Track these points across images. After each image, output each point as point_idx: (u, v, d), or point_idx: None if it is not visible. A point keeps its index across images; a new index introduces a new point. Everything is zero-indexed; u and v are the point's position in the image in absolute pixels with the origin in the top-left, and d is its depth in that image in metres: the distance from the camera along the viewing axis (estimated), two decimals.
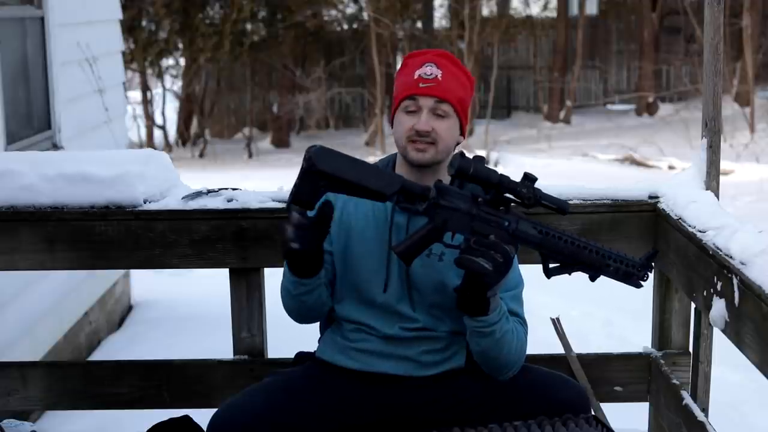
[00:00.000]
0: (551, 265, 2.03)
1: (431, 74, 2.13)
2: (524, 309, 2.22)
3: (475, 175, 1.96)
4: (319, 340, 2.30)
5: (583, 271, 2.03)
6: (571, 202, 2.57)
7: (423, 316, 2.16)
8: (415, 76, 2.13)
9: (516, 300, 2.20)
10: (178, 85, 19.00)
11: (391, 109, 2.21)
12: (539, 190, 1.99)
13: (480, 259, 1.93)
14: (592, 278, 2.04)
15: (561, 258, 2.01)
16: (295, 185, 1.94)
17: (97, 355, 5.27)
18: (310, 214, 1.96)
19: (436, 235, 1.99)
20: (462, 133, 2.19)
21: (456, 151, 2.18)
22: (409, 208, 2.08)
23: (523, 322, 2.19)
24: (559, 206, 2.01)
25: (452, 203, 1.99)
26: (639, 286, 2.05)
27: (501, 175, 1.98)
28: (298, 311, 2.18)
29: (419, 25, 19.44)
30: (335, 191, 1.95)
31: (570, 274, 2.05)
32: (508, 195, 2.00)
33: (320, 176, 1.91)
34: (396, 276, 2.15)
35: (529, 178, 1.98)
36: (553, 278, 2.02)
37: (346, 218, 2.19)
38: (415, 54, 2.22)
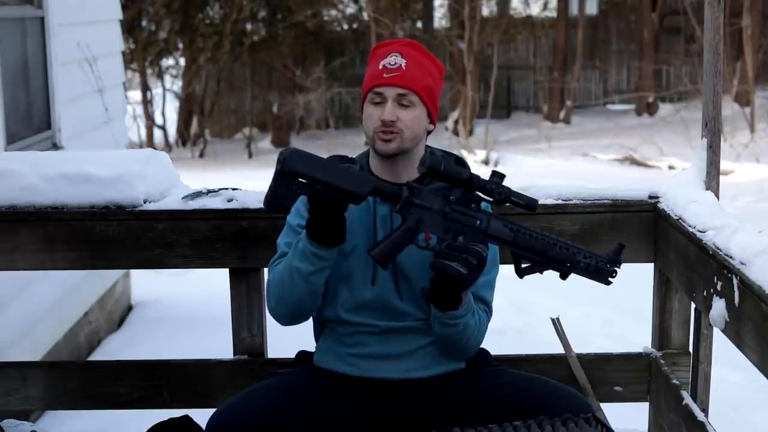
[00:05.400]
0: (523, 265, 2.03)
1: (395, 64, 2.11)
2: (494, 296, 2.21)
3: (445, 173, 1.96)
4: (315, 348, 2.29)
5: (554, 269, 2.03)
6: (570, 202, 2.58)
7: (411, 308, 2.15)
8: (380, 67, 2.12)
9: (487, 286, 2.18)
10: (178, 85, 18.99)
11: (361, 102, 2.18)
12: (508, 187, 1.99)
13: (454, 264, 1.94)
14: (563, 276, 2.04)
15: (532, 256, 2.01)
16: (270, 188, 1.92)
17: (97, 355, 5.27)
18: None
19: (410, 236, 1.99)
20: (432, 122, 2.17)
21: (426, 139, 2.18)
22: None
23: (489, 311, 2.19)
24: (527, 203, 2.01)
25: (425, 202, 1.98)
26: (608, 282, 2.05)
27: (471, 172, 1.98)
28: (292, 305, 2.11)
29: (419, 25, 19.46)
30: (309, 194, 1.93)
31: (542, 273, 2.05)
32: (478, 193, 2.00)
33: (294, 177, 1.90)
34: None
35: (498, 175, 1.98)
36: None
37: None
38: (383, 44, 2.20)
